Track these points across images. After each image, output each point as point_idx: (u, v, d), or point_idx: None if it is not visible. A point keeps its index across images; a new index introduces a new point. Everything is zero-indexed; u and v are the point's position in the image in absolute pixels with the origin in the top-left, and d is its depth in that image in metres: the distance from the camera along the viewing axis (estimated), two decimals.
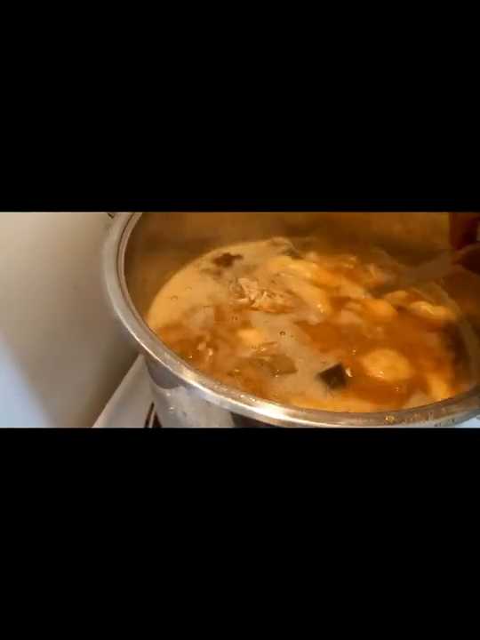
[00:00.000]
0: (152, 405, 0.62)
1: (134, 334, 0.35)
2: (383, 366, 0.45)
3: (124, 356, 0.69)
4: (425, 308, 0.52)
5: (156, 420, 0.59)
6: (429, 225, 0.53)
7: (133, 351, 0.68)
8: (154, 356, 0.34)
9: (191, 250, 0.56)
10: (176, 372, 0.33)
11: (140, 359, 0.68)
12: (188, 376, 0.33)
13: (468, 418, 0.30)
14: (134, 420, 0.61)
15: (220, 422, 0.37)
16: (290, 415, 0.31)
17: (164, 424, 0.52)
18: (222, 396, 0.32)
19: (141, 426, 0.61)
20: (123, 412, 0.62)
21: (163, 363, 0.33)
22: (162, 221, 0.50)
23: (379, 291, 0.53)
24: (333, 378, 0.44)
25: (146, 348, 0.34)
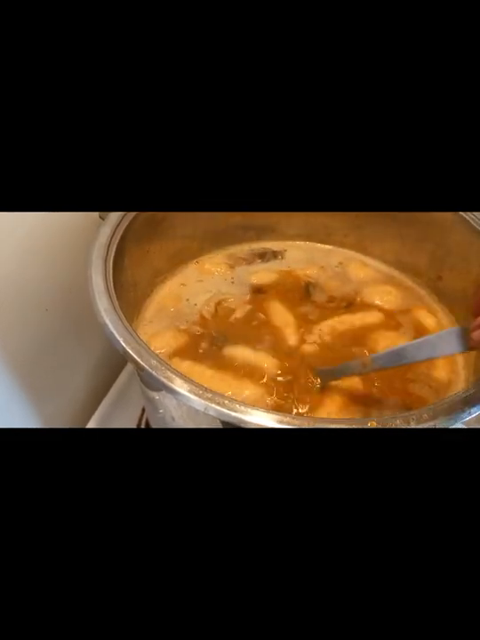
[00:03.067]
0: (143, 408, 0.62)
1: (120, 339, 0.35)
2: None
3: (116, 359, 0.69)
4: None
5: (148, 424, 0.59)
6: None
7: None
8: (139, 361, 0.34)
9: (183, 253, 0.56)
10: (162, 378, 0.33)
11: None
12: (174, 382, 0.33)
13: (450, 424, 0.30)
14: (126, 423, 0.61)
15: (207, 426, 0.37)
16: (276, 421, 0.31)
17: (155, 426, 0.52)
18: (207, 402, 0.31)
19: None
20: (114, 415, 0.62)
21: (148, 368, 0.33)
22: (153, 224, 0.50)
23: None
24: None
25: (131, 353, 0.34)
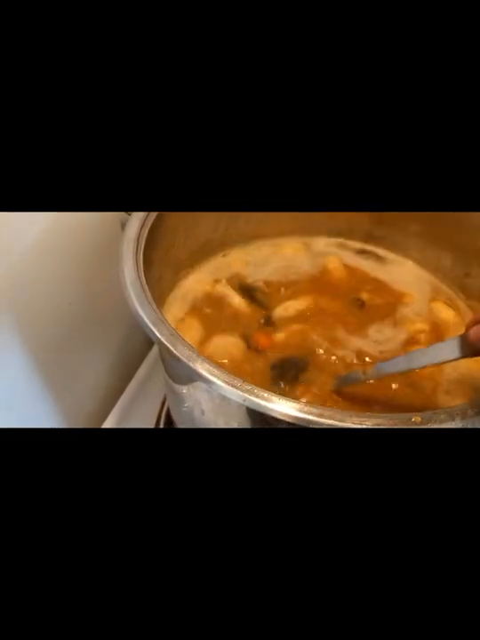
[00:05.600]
0: (163, 403, 0.62)
1: (156, 331, 0.35)
2: None
3: (135, 353, 0.69)
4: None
5: (168, 417, 0.59)
6: None
7: (144, 349, 0.69)
8: (175, 352, 0.34)
9: (207, 249, 0.56)
10: (197, 368, 0.33)
11: (150, 357, 0.68)
12: (210, 373, 0.33)
13: None
14: (145, 417, 0.61)
15: (239, 420, 0.37)
16: (313, 414, 0.31)
17: (178, 422, 0.52)
18: (245, 394, 0.31)
19: (153, 423, 0.61)
20: (134, 410, 0.62)
21: (185, 360, 0.33)
22: (178, 220, 0.50)
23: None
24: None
25: (167, 345, 0.34)
